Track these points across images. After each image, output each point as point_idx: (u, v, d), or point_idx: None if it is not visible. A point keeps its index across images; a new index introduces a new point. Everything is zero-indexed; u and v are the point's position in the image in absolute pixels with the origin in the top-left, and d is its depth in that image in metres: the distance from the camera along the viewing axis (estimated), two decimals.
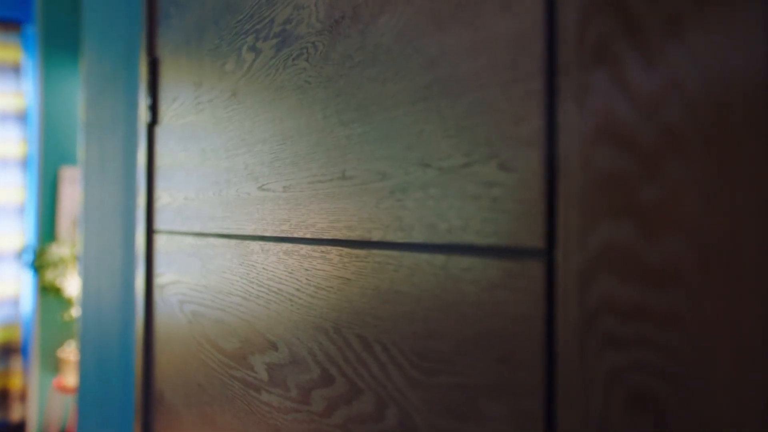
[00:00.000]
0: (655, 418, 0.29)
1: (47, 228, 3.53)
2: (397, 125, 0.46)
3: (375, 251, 0.48)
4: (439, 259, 0.41)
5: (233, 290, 0.74)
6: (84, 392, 1.40)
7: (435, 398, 0.40)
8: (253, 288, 0.69)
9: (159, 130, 1.02)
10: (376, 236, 0.47)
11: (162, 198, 0.99)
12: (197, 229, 0.85)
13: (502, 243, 0.36)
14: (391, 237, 0.46)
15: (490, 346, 0.36)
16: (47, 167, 3.54)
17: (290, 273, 0.61)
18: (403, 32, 0.46)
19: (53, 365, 3.53)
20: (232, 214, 0.74)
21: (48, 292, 3.31)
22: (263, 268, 0.67)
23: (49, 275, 3.25)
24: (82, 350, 1.42)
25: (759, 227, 0.26)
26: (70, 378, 3.23)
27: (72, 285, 3.26)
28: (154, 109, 1.04)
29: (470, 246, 0.38)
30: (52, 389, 3.39)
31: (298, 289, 0.59)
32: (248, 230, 0.70)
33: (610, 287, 0.30)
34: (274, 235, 0.64)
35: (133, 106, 1.12)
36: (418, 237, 0.43)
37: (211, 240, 0.80)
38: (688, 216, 0.28)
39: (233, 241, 0.74)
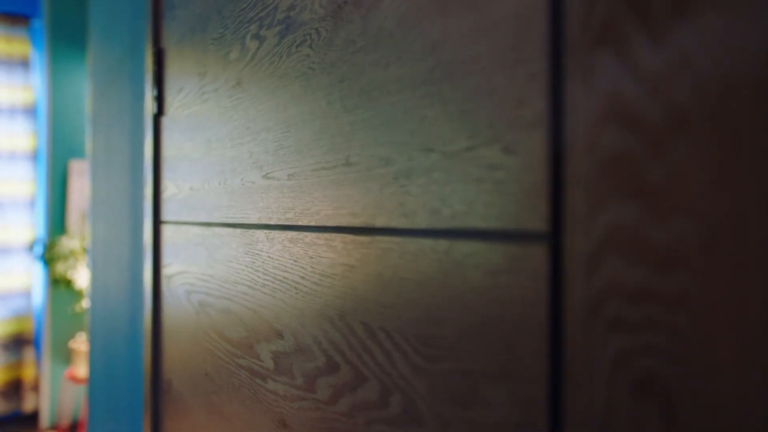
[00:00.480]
0: (662, 401, 0.28)
1: (57, 221, 3.56)
2: (400, 110, 0.45)
3: (379, 237, 0.47)
4: (443, 244, 0.40)
5: (239, 279, 0.74)
6: (94, 383, 1.41)
7: (439, 385, 0.40)
8: (258, 276, 0.69)
9: (165, 121, 1.02)
10: (379, 222, 0.47)
11: (168, 189, 0.99)
12: (203, 219, 0.85)
13: (505, 227, 0.35)
14: (394, 223, 0.45)
15: (494, 333, 0.35)
16: (56, 160, 3.55)
17: (295, 261, 0.61)
18: (405, 16, 0.45)
19: (65, 356, 3.57)
20: (237, 203, 0.74)
21: (59, 285, 3.33)
22: (268, 257, 0.67)
23: (60, 268, 3.27)
24: (92, 341, 1.43)
25: (766, 209, 0.25)
26: (82, 369, 3.27)
27: (82, 277, 3.28)
28: (160, 100, 1.04)
29: (474, 230, 0.37)
30: (64, 380, 3.43)
31: (303, 277, 0.59)
32: (253, 219, 0.70)
33: (617, 270, 0.30)
34: (279, 223, 0.64)
35: (139, 97, 1.12)
36: (421, 222, 0.42)
37: (217, 229, 0.80)
38: (696, 197, 0.27)
39: (238, 230, 0.74)
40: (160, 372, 1.02)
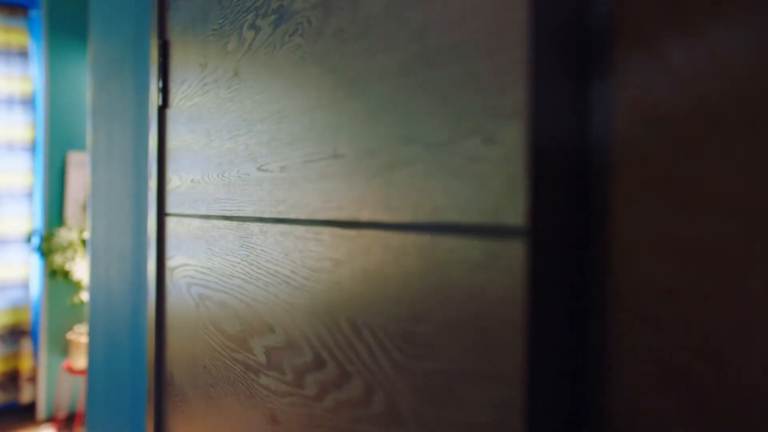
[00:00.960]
0: (692, 397, 0.27)
1: (55, 212, 3.53)
2: (386, 100, 0.44)
3: (364, 231, 0.46)
4: (425, 239, 0.39)
5: (235, 272, 0.73)
6: (93, 374, 1.41)
7: (419, 384, 0.39)
8: (252, 270, 0.68)
9: (169, 113, 1.01)
10: (364, 216, 0.46)
11: (172, 181, 0.98)
12: (203, 212, 0.84)
13: (485, 221, 0.34)
14: (379, 216, 0.44)
15: (472, 331, 0.34)
16: (54, 152, 3.52)
17: (286, 255, 0.60)
18: (392, 1, 0.44)
19: (62, 348, 3.56)
20: (234, 196, 0.74)
21: (56, 276, 3.31)
22: (262, 250, 0.66)
23: (58, 259, 3.25)
24: (91, 333, 1.43)
25: None
26: (79, 360, 3.25)
27: (80, 269, 3.27)
28: (165, 92, 1.03)
29: (454, 225, 0.36)
30: (61, 371, 3.41)
31: (293, 271, 0.58)
32: (248, 212, 0.69)
33: (647, 266, 0.29)
34: (272, 216, 0.63)
35: (142, 89, 1.12)
36: (404, 216, 0.41)
37: (215, 222, 0.80)
38: (729, 195, 0.26)
39: (235, 223, 0.73)
40: (164, 364, 1.02)
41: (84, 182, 3.60)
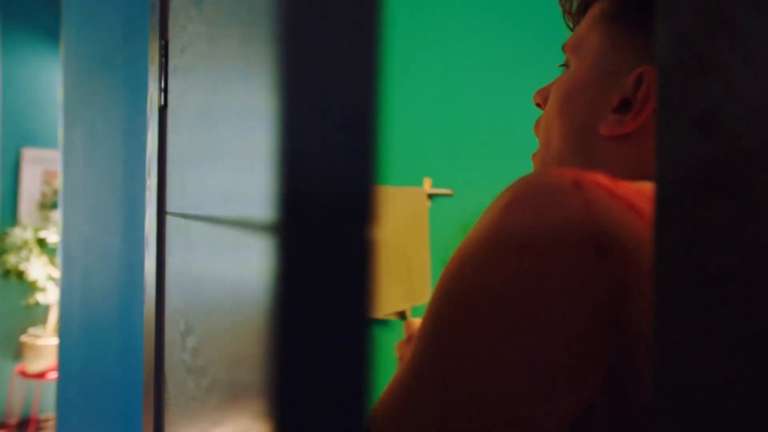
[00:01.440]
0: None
1: (7, 211, 3.35)
2: None
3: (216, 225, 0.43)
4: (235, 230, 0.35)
5: (182, 269, 0.72)
6: (65, 378, 1.34)
7: (211, 405, 0.36)
8: (185, 266, 0.67)
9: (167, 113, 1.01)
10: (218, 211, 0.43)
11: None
12: (172, 209, 0.84)
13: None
14: (219, 210, 0.41)
15: (242, 335, 0.30)
16: (7, 148, 3.32)
17: (192, 252, 0.58)
18: None
19: (15, 351, 3.37)
20: (186, 194, 0.73)
21: (9, 277, 3.14)
22: (190, 248, 0.64)
23: (11, 259, 3.11)
24: (63, 335, 1.37)
25: None
26: (34, 364, 3.11)
27: (36, 269, 3.14)
28: (166, 92, 1.03)
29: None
30: (13, 375, 3.23)
31: (202, 270, 0.56)
32: (188, 209, 0.68)
33: (706, 262, 0.28)
34: (192, 212, 0.62)
35: (137, 88, 1.12)
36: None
37: (177, 220, 0.79)
38: None
39: (183, 221, 0.73)
40: (162, 364, 1.01)
41: (40, 180, 3.39)
